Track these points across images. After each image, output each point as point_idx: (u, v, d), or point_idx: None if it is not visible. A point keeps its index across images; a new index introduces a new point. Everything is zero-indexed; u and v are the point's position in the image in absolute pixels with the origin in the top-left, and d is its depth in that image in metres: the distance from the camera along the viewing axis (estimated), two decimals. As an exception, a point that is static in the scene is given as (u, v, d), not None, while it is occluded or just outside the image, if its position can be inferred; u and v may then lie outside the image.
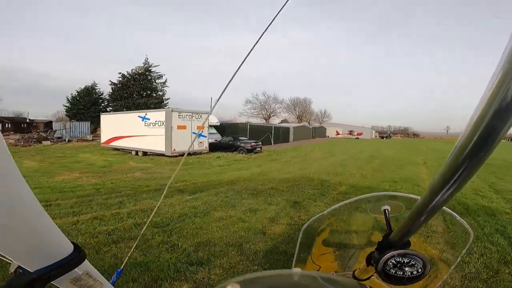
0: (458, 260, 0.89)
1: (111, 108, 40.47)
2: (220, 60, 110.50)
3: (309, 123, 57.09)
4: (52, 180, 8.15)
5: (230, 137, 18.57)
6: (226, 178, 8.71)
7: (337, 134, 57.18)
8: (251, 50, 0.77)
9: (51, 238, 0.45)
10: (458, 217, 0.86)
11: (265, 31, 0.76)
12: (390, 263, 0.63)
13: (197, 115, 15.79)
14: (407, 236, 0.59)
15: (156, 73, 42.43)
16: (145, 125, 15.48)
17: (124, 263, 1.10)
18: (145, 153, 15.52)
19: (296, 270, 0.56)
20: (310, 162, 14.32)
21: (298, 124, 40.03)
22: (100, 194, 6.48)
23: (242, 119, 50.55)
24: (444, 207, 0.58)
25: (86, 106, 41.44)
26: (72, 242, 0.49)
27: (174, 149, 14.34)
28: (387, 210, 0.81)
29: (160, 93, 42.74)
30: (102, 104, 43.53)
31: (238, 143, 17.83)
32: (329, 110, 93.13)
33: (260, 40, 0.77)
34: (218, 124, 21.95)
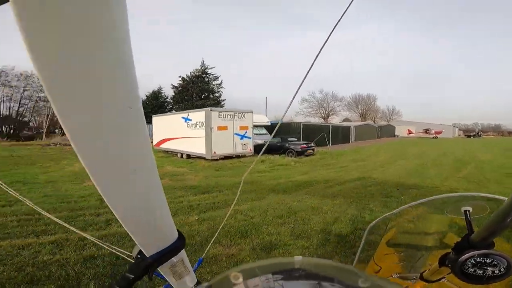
0: None
1: (174, 111, 43.07)
2: (278, 61, 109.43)
3: (374, 122, 51.18)
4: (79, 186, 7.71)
5: (278, 138, 16.77)
6: (255, 194, 7.01)
7: (410, 133, 49.70)
8: (321, 49, 0.73)
9: (166, 226, 0.50)
10: None
11: (333, 29, 0.73)
12: (469, 263, 0.63)
13: (240, 115, 14.50)
14: (491, 237, 0.61)
15: (212, 74, 43.45)
16: (187, 126, 14.89)
17: (206, 251, 1.59)
18: (188, 156, 14.95)
19: (297, 257, 0.56)
20: (374, 168, 11.57)
21: (361, 123, 35.67)
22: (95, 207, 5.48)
23: (299, 119, 48.30)
24: None
25: (154, 109, 44.94)
26: (177, 230, 0.54)
27: (215, 152, 13.30)
28: (468, 211, 0.78)
29: (217, 94, 43.67)
30: (168, 107, 46.65)
31: (287, 145, 15.93)
32: (399, 108, 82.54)
33: (328, 39, 0.74)
34: (269, 124, 20.37)
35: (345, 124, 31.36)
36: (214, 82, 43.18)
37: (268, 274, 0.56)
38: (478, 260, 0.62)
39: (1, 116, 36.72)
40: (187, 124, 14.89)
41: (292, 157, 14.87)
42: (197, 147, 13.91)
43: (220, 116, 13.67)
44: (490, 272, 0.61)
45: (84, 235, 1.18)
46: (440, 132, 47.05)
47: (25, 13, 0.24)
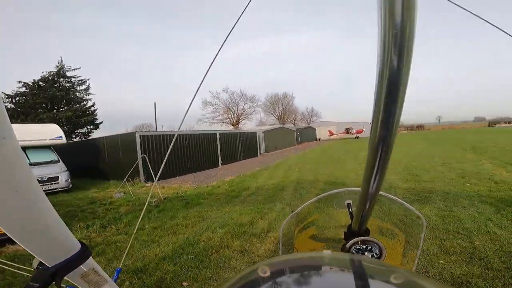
0: (421, 245, 0.99)
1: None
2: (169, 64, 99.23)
3: (294, 124, 45.14)
4: None
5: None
6: None
7: (331, 135, 45.36)
8: (221, 47, 0.76)
9: (62, 237, 0.53)
10: (409, 206, 0.96)
11: (232, 28, 0.77)
12: (354, 250, 0.76)
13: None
14: (363, 224, 0.72)
15: (76, 77, 30.81)
16: None
17: (122, 261, 1.47)
18: None
19: (327, 252, 0.56)
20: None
21: (272, 127, 27.93)
22: None
23: (203, 127, 38.33)
24: (395, 197, 0.95)
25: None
26: (79, 241, 0.57)
27: None
28: (350, 203, 0.92)
29: (85, 103, 31.14)
30: None
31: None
32: (318, 109, 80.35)
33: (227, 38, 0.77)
34: (62, 141, 9.89)
35: (248, 130, 22.86)
36: (79, 88, 30.67)
37: (296, 269, 0.53)
38: (360, 246, 0.76)
39: None
40: None
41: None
42: None
43: None
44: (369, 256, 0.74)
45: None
46: (361, 131, 43.73)
47: None
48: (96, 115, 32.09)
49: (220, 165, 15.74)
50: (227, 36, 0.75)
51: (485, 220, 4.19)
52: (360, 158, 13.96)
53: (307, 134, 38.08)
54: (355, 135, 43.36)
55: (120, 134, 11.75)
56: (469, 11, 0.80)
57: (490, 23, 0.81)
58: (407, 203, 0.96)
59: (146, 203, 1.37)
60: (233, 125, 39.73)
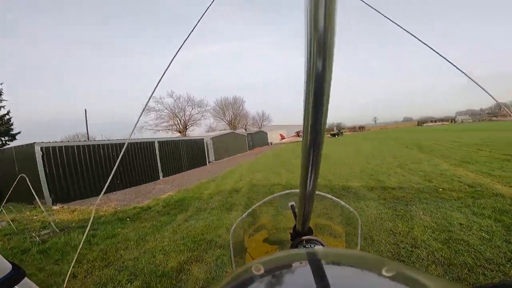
0: (359, 241, 1.03)
1: None
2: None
3: (245, 129, 44.08)
4: None
5: None
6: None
7: (282, 139, 45.51)
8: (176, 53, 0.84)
9: None
10: (344, 204, 1.02)
11: (192, 30, 0.85)
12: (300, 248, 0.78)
13: None
14: (306, 224, 0.73)
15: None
16: None
17: (66, 281, 1.52)
18: None
19: (318, 247, 0.57)
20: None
21: (221, 132, 26.31)
22: None
23: (147, 135, 34.75)
24: (331, 196, 0.99)
25: None
26: (11, 262, 0.56)
27: None
28: (293, 205, 0.93)
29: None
30: None
31: None
32: (268, 112, 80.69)
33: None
34: None
35: (196, 137, 20.94)
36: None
37: (290, 264, 0.52)
38: (304, 245, 0.77)
39: None
40: None
41: None
42: None
43: None
44: None
45: None
46: (310, 134, 44.60)
47: None
48: (11, 124, 26.62)
49: (160, 177, 13.60)
50: (183, 44, 0.80)
51: None
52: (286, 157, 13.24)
53: (258, 139, 37.30)
54: (306, 138, 44.11)
55: (15, 147, 8.97)
56: (395, 23, 0.83)
57: (412, 34, 0.86)
58: (343, 201, 1.02)
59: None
60: (180, 132, 36.63)
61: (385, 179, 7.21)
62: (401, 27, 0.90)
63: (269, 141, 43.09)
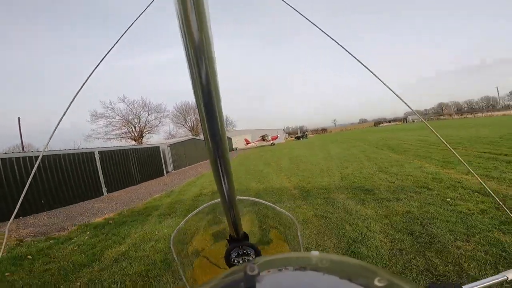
0: (301, 242, 1.01)
1: None
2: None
3: (208, 135, 41.76)
4: None
5: None
6: None
7: (248, 143, 44.16)
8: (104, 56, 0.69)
9: None
10: (280, 209, 1.01)
11: (127, 29, 0.72)
12: (233, 254, 0.77)
13: None
14: (238, 230, 0.73)
15: None
16: None
17: None
18: None
19: (314, 252, 0.54)
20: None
21: (181, 139, 23.95)
22: None
23: (96, 144, 30.67)
24: (266, 202, 1.00)
25: None
26: None
27: None
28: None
29: None
30: None
31: None
32: (232, 117, 78.90)
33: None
34: None
35: (151, 144, 18.52)
36: None
37: (284, 268, 0.50)
38: (239, 251, 0.76)
39: None
40: None
41: None
42: None
43: None
44: (246, 260, 0.73)
45: None
46: (276, 138, 44.02)
47: None
48: None
49: (104, 193, 11.22)
50: (114, 45, 0.70)
51: None
52: (284, 169, 11.95)
53: (223, 145, 35.40)
54: (271, 141, 43.35)
55: None
56: (334, 40, 0.84)
57: (345, 48, 0.85)
58: (278, 207, 1.03)
59: None
60: (135, 140, 33.04)
61: (372, 187, 6.05)
62: (332, 39, 0.85)
63: (234, 146, 41.38)
